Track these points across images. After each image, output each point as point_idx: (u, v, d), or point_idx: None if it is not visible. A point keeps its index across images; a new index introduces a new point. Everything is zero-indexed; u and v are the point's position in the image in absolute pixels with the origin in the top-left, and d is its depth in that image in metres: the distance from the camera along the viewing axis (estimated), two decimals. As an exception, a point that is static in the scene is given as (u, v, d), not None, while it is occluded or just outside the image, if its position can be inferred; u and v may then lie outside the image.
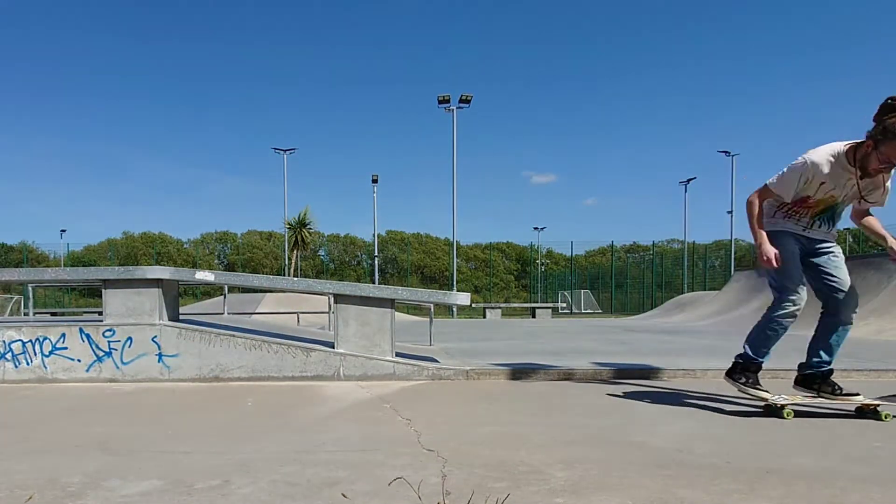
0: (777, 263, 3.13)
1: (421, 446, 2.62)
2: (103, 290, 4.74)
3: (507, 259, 61.43)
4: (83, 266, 13.41)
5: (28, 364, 4.64)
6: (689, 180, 38.87)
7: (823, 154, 3.06)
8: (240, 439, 2.80)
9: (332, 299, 5.46)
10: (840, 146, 3.07)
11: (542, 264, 45.59)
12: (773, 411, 3.22)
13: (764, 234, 3.21)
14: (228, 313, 8.26)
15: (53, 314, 14.66)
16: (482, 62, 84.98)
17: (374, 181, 36.67)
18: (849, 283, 3.23)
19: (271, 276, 5.58)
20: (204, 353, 4.65)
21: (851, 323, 3.24)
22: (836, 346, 3.28)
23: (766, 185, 3.22)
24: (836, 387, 3.27)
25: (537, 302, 32.88)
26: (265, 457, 2.45)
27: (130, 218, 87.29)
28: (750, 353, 3.38)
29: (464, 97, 28.26)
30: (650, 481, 2.09)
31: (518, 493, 1.96)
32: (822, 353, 3.31)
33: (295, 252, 37.91)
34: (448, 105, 28.66)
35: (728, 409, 3.53)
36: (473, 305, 23.38)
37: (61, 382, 4.61)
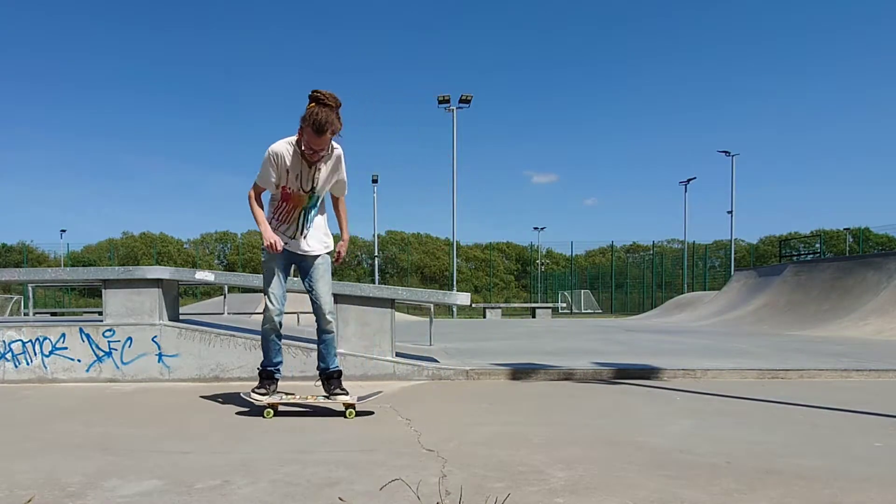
0: (278, 248, 3.28)
1: (421, 446, 2.62)
2: (103, 290, 4.74)
3: (507, 259, 61.44)
4: (83, 266, 13.42)
5: (28, 364, 4.64)
6: (689, 180, 38.88)
7: (283, 142, 3.25)
8: (240, 439, 2.80)
9: (332, 299, 5.45)
10: (294, 137, 3.25)
11: (542, 264, 45.58)
12: (260, 412, 3.33)
13: (266, 222, 3.37)
14: (228, 313, 8.26)
15: (53, 314, 14.67)
16: (482, 62, 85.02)
17: (374, 181, 36.68)
18: (328, 293, 3.45)
19: (271, 276, 5.56)
20: (204, 353, 4.65)
21: (328, 329, 3.44)
22: (325, 352, 3.48)
23: (254, 183, 3.40)
24: (340, 388, 3.44)
25: (537, 302, 32.87)
26: (265, 457, 2.45)
27: (130, 218, 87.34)
28: (262, 362, 3.57)
29: (464, 97, 28.25)
30: (650, 481, 2.09)
31: (518, 494, 1.96)
32: (319, 358, 3.54)
33: (295, 252, 37.82)
34: (448, 105, 28.64)
35: (728, 408, 3.53)
36: (473, 305, 23.39)
37: (61, 382, 4.61)
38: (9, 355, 4.64)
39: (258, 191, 3.40)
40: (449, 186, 29.06)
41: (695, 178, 41.04)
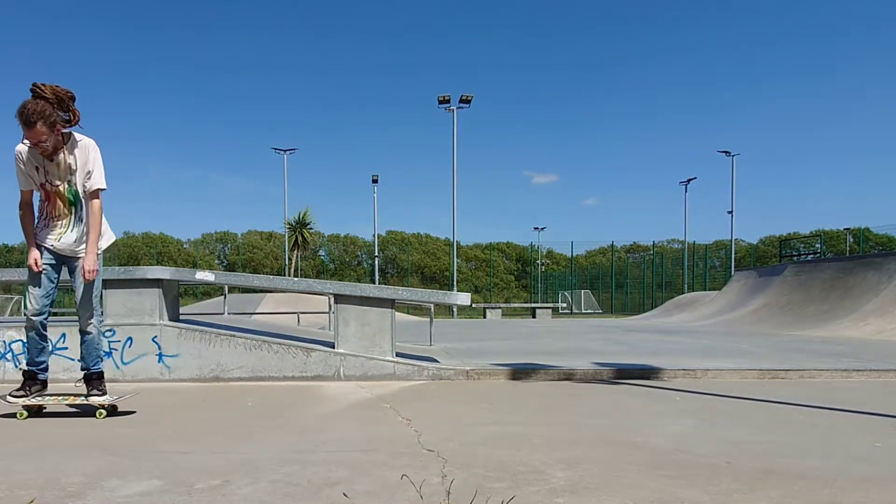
0: (37, 267, 3.30)
1: (421, 446, 2.62)
2: (103, 291, 4.73)
3: (508, 259, 61.43)
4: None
5: (28, 364, 4.63)
6: (689, 180, 38.87)
7: (22, 143, 3.25)
8: (240, 439, 2.80)
9: (332, 299, 5.46)
10: None
11: (543, 264, 45.59)
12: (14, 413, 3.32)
13: (32, 239, 3.36)
14: (228, 313, 8.26)
15: (53, 314, 14.66)
16: (483, 61, 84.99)
17: (375, 181, 36.67)
18: (86, 296, 3.40)
19: (271, 277, 5.58)
20: (204, 353, 4.65)
21: (86, 331, 3.43)
22: (85, 353, 3.47)
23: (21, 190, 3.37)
24: (97, 389, 3.44)
25: (537, 302, 32.85)
26: (265, 457, 2.45)
27: (130, 218, 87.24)
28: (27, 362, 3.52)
29: (464, 97, 28.26)
30: (650, 481, 2.09)
31: (518, 494, 1.96)
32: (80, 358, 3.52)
33: (295, 252, 37.91)
34: (448, 105, 28.65)
35: (728, 408, 3.53)
36: (473, 305, 23.38)
37: (61, 382, 4.60)
38: (9, 355, 4.64)
39: (25, 197, 3.37)
40: (449, 186, 29.09)
41: (695, 178, 41.04)
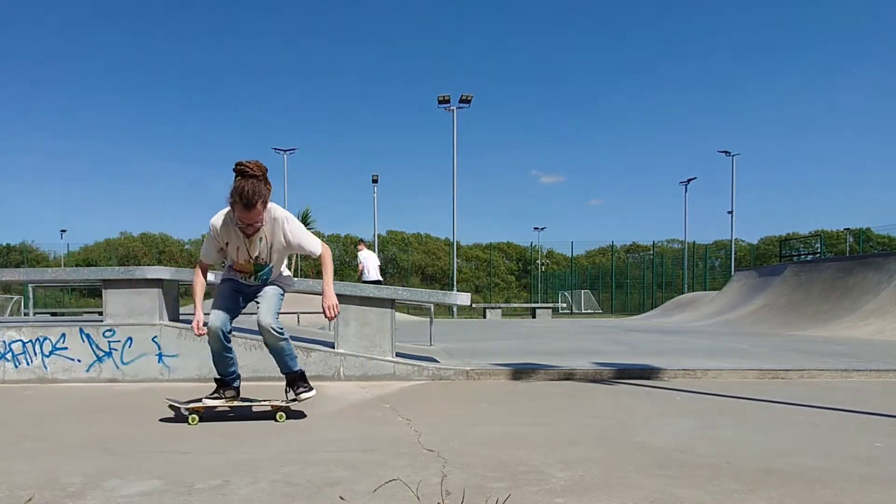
0: (201, 332, 3.30)
1: (421, 446, 2.62)
2: (104, 291, 4.74)
3: (508, 259, 61.40)
4: (83, 266, 13.44)
5: (28, 364, 4.64)
6: (689, 180, 38.88)
7: (219, 215, 3.23)
8: (240, 439, 2.80)
9: (332, 299, 5.45)
10: (229, 209, 3.19)
11: (543, 264, 45.58)
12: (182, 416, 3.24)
13: (199, 302, 3.38)
14: (228, 313, 8.25)
15: (53, 314, 14.67)
16: (483, 61, 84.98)
17: (375, 181, 36.68)
18: (269, 310, 3.35)
19: (271, 277, 5.57)
20: (204, 353, 4.61)
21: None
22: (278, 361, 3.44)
23: (199, 260, 3.44)
24: (303, 386, 3.42)
25: (538, 302, 32.83)
26: (265, 457, 2.45)
27: (131, 218, 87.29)
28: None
29: (464, 97, 28.24)
30: (650, 481, 2.09)
31: (518, 493, 1.96)
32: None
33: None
34: (448, 105, 28.64)
35: (728, 408, 3.53)
36: (474, 305, 23.39)
37: (61, 382, 4.61)
38: (9, 355, 4.64)
39: (203, 266, 3.41)
40: (449, 186, 29.08)
41: (695, 178, 41.03)
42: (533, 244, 47.41)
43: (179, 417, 3.22)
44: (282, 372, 3.46)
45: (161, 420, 3.26)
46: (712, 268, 38.24)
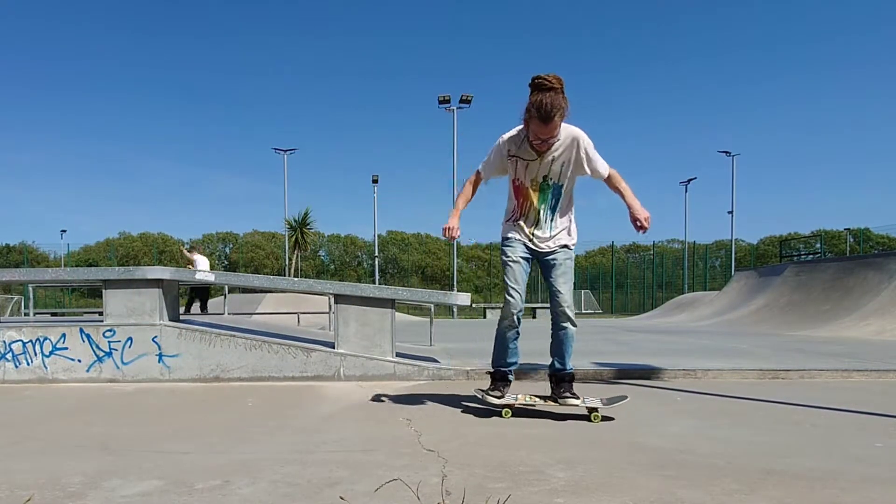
0: (451, 234, 3.24)
1: (421, 446, 2.62)
2: (104, 291, 4.74)
3: (508, 259, 61.28)
4: (83, 266, 13.44)
5: (28, 364, 4.64)
6: (689, 180, 38.88)
7: (511, 132, 3.18)
8: (240, 439, 2.80)
9: (332, 299, 5.46)
10: (523, 126, 3.12)
11: (543, 264, 45.42)
12: (498, 412, 3.30)
13: (458, 209, 3.31)
14: (229, 313, 8.27)
15: (54, 314, 14.66)
16: (484, 60, 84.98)
17: (375, 181, 36.68)
18: (567, 289, 3.30)
19: (271, 277, 5.58)
20: (204, 353, 4.65)
21: (563, 327, 3.36)
22: (559, 350, 3.44)
23: (477, 170, 3.33)
24: (563, 390, 3.33)
25: (538, 302, 32.83)
26: (265, 457, 2.45)
27: (131, 218, 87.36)
28: (491, 363, 3.52)
29: (464, 97, 28.25)
30: (650, 481, 2.09)
31: (518, 494, 1.96)
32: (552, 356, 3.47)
33: (295, 252, 37.91)
34: (448, 105, 28.65)
35: (728, 408, 3.53)
36: (474, 306, 23.39)
37: (61, 382, 4.61)
38: (9, 355, 4.64)
39: (477, 179, 3.32)
40: (449, 186, 29.08)
41: (695, 178, 41.05)
42: (533, 244, 47.33)
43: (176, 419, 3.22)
44: (553, 368, 3.36)
45: (161, 420, 3.26)
46: (712, 268, 38.25)
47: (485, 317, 21.91)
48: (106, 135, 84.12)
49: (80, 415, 3.47)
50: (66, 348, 4.64)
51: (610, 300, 35.87)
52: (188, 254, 13.74)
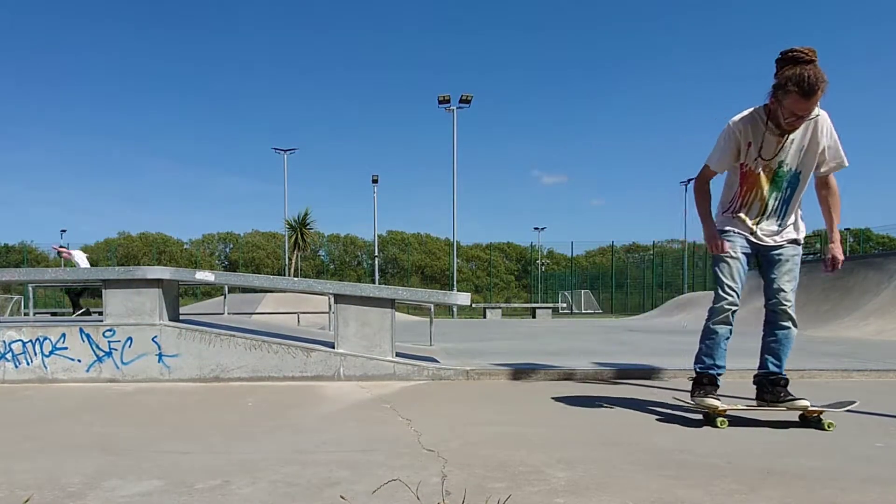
0: (720, 249, 3.02)
1: (421, 446, 2.62)
2: (103, 291, 4.74)
3: (508, 259, 61.42)
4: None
5: (28, 364, 4.64)
6: (689, 180, 38.85)
7: (742, 113, 2.97)
8: (240, 439, 2.80)
9: (332, 299, 5.46)
10: (760, 106, 2.94)
11: (543, 264, 45.57)
12: (711, 420, 3.02)
13: (710, 218, 3.10)
14: (229, 313, 8.27)
15: (53, 314, 14.67)
16: (484, 60, 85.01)
17: (375, 181, 36.70)
18: (789, 287, 3.03)
19: (271, 277, 5.58)
20: (204, 353, 4.65)
21: (784, 326, 3.11)
22: (776, 351, 3.19)
23: (704, 165, 3.12)
24: (784, 394, 3.07)
25: (538, 302, 32.84)
26: (265, 457, 2.45)
27: (131, 218, 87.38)
28: (695, 365, 3.28)
29: (464, 97, 28.25)
30: (650, 481, 2.09)
31: (518, 494, 1.96)
32: (765, 356, 3.22)
33: (295, 252, 37.93)
34: (448, 105, 28.65)
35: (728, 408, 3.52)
36: (474, 305, 23.38)
37: (61, 382, 4.61)
38: (9, 355, 4.64)
39: (707, 175, 3.08)
40: (449, 186, 29.08)
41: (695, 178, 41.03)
42: (533, 244, 47.40)
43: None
44: (767, 370, 3.09)
45: (161, 420, 3.26)
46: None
47: (484, 317, 21.89)
48: (106, 134, 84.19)
49: (80, 415, 3.47)
50: (66, 348, 4.64)
51: (610, 300, 35.87)
52: (66, 254, 13.59)
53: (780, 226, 3.05)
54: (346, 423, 3.20)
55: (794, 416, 3.07)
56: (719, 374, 3.19)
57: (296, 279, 5.94)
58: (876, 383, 4.59)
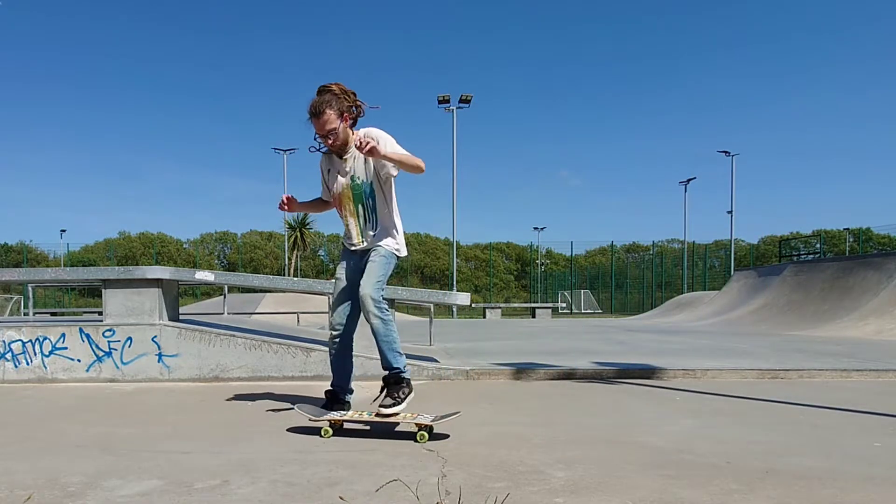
0: (284, 207, 3.33)
1: (420, 446, 2.62)
2: (103, 290, 4.74)
3: (507, 259, 61.44)
4: (83, 266, 13.45)
5: (28, 364, 4.64)
6: (689, 180, 38.89)
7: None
8: (240, 439, 2.80)
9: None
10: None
11: (542, 264, 45.58)
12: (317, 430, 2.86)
13: (302, 206, 3.50)
14: (228, 313, 8.26)
15: (53, 314, 14.66)
16: (484, 60, 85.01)
17: (374, 181, 36.62)
18: (370, 282, 3.05)
19: (271, 276, 5.58)
20: (204, 353, 4.65)
21: (368, 321, 3.06)
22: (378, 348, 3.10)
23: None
24: (391, 397, 2.97)
25: (537, 302, 32.86)
26: (265, 457, 2.45)
27: (131, 218, 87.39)
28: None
29: (464, 97, 28.25)
30: (650, 481, 2.09)
31: (518, 493, 1.96)
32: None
33: (295, 252, 37.91)
34: (448, 105, 28.65)
35: (728, 408, 3.53)
36: (473, 305, 23.38)
37: (61, 382, 4.61)
38: (9, 355, 4.64)
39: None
40: (449, 186, 29.08)
41: (695, 178, 41.04)
42: (532, 244, 47.42)
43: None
44: (382, 366, 3.12)
45: (161, 420, 3.26)
46: (712, 268, 38.24)
47: (484, 316, 21.89)
48: (106, 134, 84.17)
49: (80, 415, 3.47)
50: (66, 348, 4.64)
51: (610, 300, 35.87)
52: None
53: (375, 234, 3.36)
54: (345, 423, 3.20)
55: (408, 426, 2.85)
56: (342, 390, 3.28)
57: (295, 279, 5.94)
58: (875, 383, 4.59)
